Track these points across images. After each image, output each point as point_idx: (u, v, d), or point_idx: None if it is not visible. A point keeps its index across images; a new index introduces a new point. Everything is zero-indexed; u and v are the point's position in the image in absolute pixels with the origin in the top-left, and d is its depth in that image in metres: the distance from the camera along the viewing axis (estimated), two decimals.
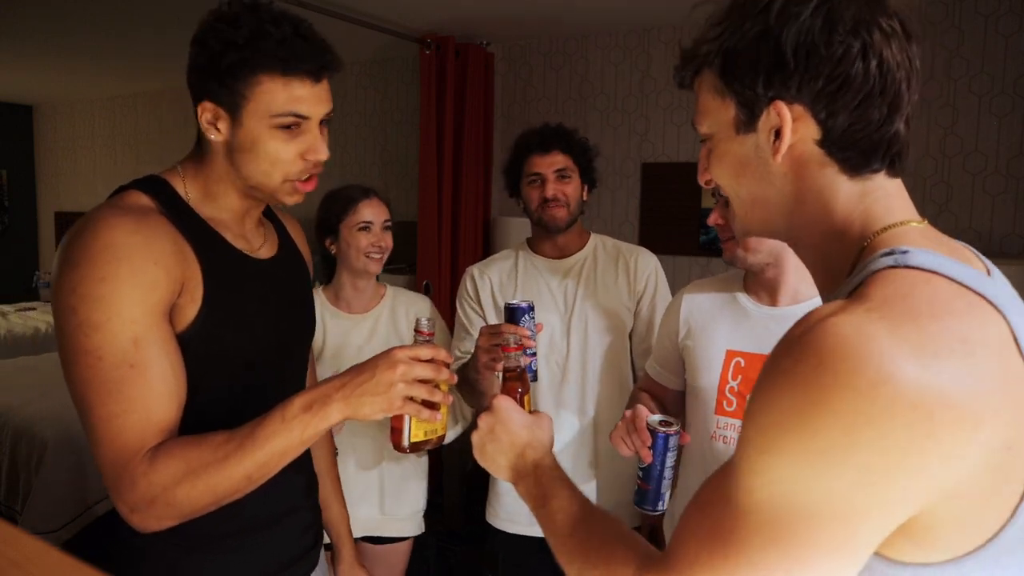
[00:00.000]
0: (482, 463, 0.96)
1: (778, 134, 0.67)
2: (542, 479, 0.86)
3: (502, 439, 0.92)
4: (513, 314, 1.45)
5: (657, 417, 1.28)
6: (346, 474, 1.63)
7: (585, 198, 1.82)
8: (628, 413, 1.32)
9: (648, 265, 1.81)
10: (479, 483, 3.03)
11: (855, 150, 0.66)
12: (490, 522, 1.85)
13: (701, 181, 0.80)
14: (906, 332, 0.54)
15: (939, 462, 0.53)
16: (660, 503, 1.29)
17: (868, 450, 0.53)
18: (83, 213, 0.95)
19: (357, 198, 1.84)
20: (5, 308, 5.30)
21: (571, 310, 1.77)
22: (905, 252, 0.61)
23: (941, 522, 0.57)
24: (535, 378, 1.53)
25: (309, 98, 0.97)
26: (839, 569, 0.57)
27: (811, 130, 0.66)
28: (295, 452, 0.90)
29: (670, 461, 1.27)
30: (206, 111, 0.98)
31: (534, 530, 1.78)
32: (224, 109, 0.97)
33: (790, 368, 0.57)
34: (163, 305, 0.92)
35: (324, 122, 1.02)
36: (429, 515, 2.00)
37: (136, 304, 0.88)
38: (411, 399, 0.92)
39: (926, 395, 0.52)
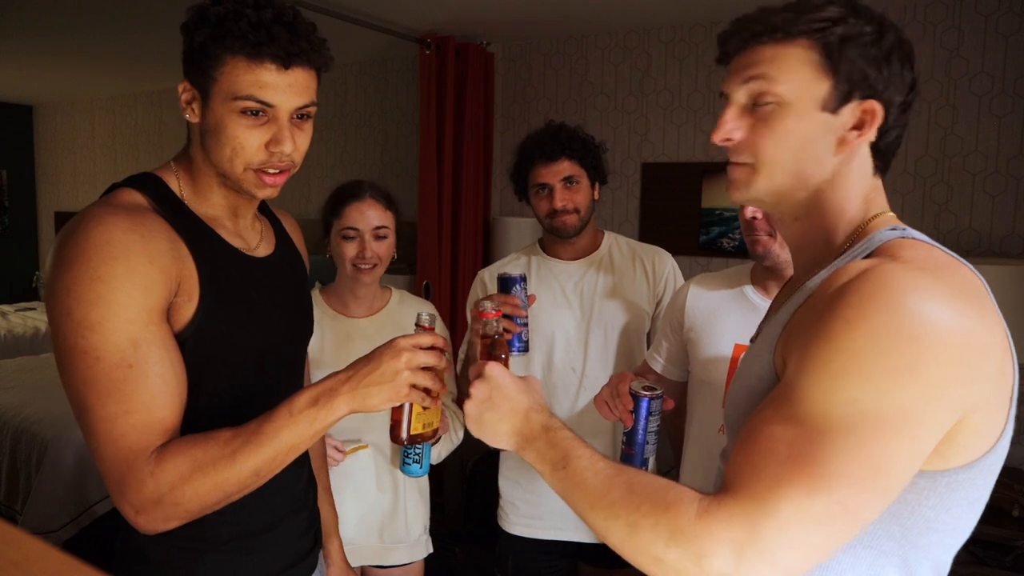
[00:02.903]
0: (478, 434, 0.90)
1: (858, 125, 0.77)
2: (557, 441, 0.81)
3: (502, 406, 0.87)
4: (505, 284, 1.44)
5: (640, 383, 1.29)
6: (342, 505, 1.53)
7: (596, 196, 1.78)
8: (613, 378, 1.33)
9: (666, 265, 1.80)
10: (479, 483, 3.04)
11: (884, 158, 0.82)
12: (501, 526, 1.84)
13: (718, 139, 0.81)
14: (939, 279, 0.68)
15: (977, 379, 0.67)
16: (645, 469, 1.30)
17: (932, 367, 0.65)
18: None
19: (346, 198, 1.60)
20: (5, 308, 5.30)
21: (590, 312, 1.74)
22: (904, 228, 0.77)
23: (967, 430, 0.68)
24: (526, 349, 1.49)
25: (276, 86, 0.93)
26: (906, 472, 0.67)
27: (874, 133, 0.78)
28: (303, 447, 0.90)
29: (652, 426, 1.27)
30: (185, 92, 0.97)
31: (545, 533, 1.78)
32: (197, 90, 0.96)
33: (855, 304, 0.67)
34: (161, 304, 0.91)
35: (302, 116, 0.99)
36: (431, 516, 1.98)
37: (133, 304, 0.87)
38: (415, 387, 0.91)
39: (970, 326, 0.67)
